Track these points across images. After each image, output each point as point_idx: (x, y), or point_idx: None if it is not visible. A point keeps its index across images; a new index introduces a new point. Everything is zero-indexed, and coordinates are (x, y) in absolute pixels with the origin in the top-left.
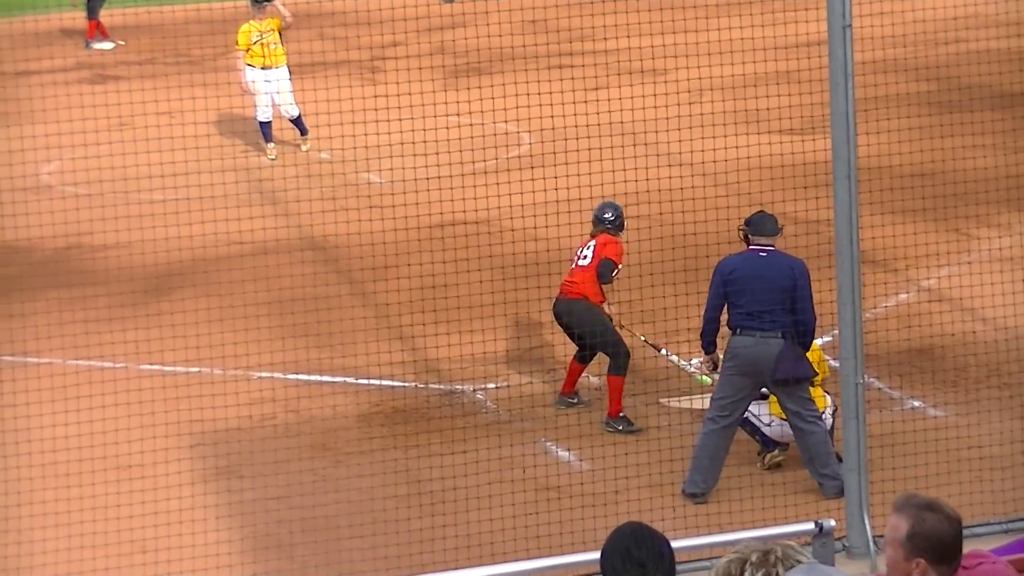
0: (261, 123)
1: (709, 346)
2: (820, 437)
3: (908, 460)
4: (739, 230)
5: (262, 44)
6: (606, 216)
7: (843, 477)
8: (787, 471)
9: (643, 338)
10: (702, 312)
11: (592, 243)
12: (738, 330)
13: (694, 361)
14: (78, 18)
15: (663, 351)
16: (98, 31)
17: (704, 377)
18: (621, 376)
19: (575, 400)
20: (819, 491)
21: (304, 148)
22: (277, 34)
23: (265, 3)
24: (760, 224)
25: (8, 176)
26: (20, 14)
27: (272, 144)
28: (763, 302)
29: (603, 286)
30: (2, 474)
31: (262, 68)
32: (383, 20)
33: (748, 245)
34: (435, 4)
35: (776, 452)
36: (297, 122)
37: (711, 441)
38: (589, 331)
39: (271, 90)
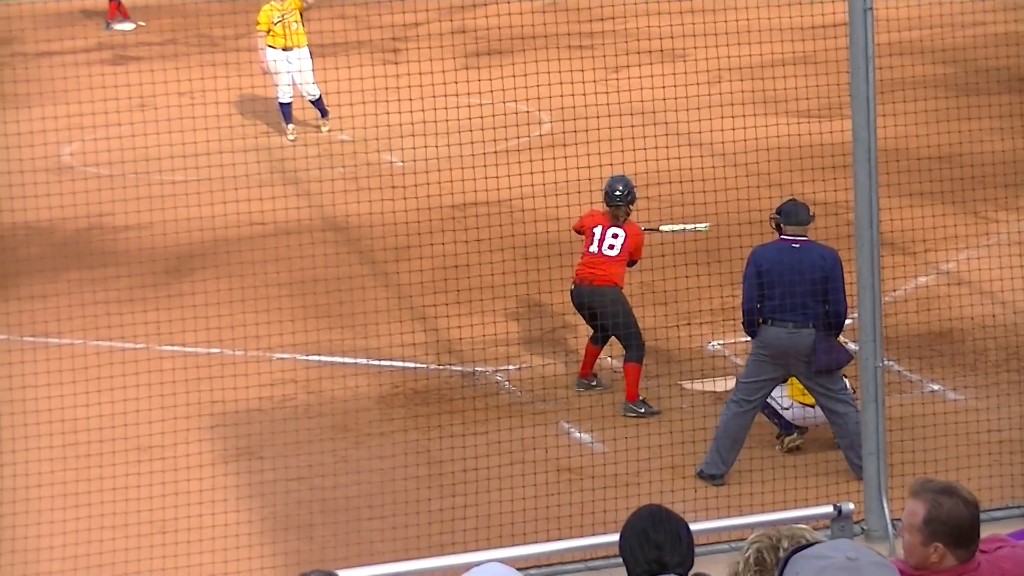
0: (281, 104)
1: (754, 334)
2: (856, 417)
3: (927, 443)
4: (771, 219)
5: (283, 24)
6: (616, 192)
7: (862, 460)
8: (806, 455)
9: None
10: (740, 304)
11: (621, 233)
12: (770, 321)
13: (713, 344)
14: None
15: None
16: (119, 11)
17: (702, 226)
18: (638, 364)
19: (594, 382)
20: (840, 475)
21: (324, 129)
22: (298, 14)
23: None
24: (793, 213)
25: (29, 157)
26: None
27: (292, 125)
28: (796, 294)
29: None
30: (23, 454)
31: (283, 48)
32: None
33: (780, 234)
34: None
35: (795, 436)
36: (318, 103)
37: (735, 424)
38: (612, 319)
39: (292, 70)
